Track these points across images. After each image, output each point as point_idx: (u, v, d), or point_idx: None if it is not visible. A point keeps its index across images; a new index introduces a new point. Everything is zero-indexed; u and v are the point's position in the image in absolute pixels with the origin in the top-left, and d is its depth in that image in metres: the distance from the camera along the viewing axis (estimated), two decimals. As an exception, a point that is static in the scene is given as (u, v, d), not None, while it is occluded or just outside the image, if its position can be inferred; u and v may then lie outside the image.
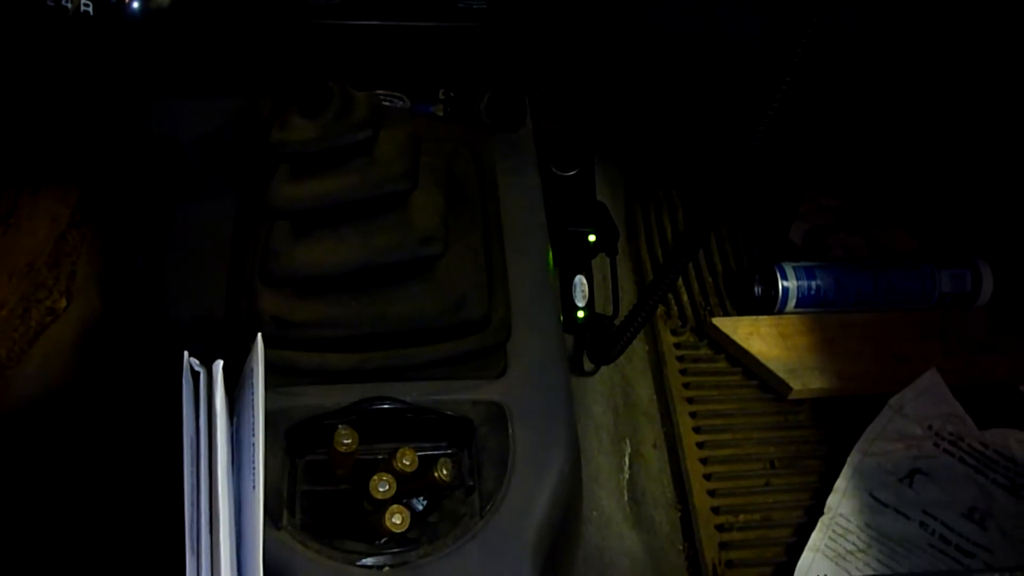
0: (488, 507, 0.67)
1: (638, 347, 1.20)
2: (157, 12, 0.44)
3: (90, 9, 0.42)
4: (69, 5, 0.42)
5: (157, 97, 0.85)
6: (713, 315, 1.22)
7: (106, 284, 1.02)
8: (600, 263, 1.11)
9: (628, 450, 1.09)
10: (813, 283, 1.18)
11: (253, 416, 0.56)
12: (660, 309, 1.22)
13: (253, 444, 0.55)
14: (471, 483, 0.69)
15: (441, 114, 0.90)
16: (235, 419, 0.62)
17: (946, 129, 1.12)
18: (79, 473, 0.82)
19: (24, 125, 1.07)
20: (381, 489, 0.64)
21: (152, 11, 0.44)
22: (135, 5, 0.43)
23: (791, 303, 1.18)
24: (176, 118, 0.86)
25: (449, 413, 0.71)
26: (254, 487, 0.55)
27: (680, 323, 1.22)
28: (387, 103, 0.89)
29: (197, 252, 0.80)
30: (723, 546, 1.03)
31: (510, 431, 0.71)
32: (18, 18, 0.45)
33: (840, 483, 1.06)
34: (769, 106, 0.76)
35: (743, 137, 0.77)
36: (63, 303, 1.12)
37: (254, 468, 0.56)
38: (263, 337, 0.62)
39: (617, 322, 0.92)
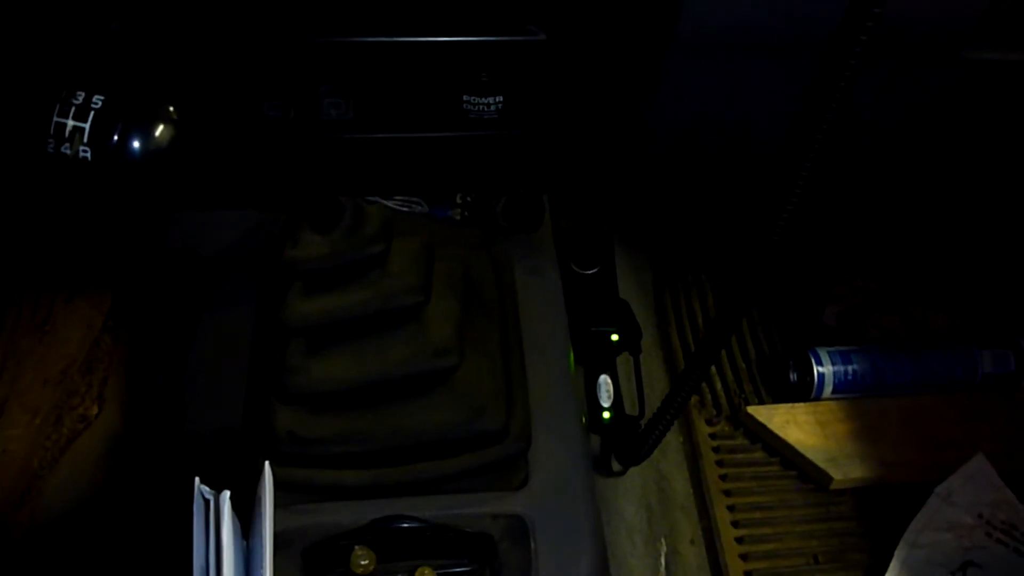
0: None
1: (672, 439, 1.17)
2: (157, 153, 0.45)
3: (88, 155, 0.42)
4: (68, 151, 0.42)
5: (177, 209, 0.87)
6: (748, 403, 1.19)
7: (129, 399, 1.02)
8: (626, 360, 1.09)
9: (664, 549, 1.05)
10: (849, 368, 1.15)
11: (262, 546, 0.55)
12: (693, 399, 1.19)
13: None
14: (493, 602, 0.67)
15: (459, 218, 0.91)
16: (250, 541, 0.61)
17: (981, 206, 1.10)
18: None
19: (58, 235, 1.10)
20: (399, 613, 0.62)
21: (152, 152, 0.44)
22: (135, 147, 0.44)
23: (827, 389, 1.15)
24: (196, 231, 0.88)
25: (468, 530, 0.69)
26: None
27: (714, 412, 1.19)
28: (405, 208, 0.90)
29: (217, 366, 0.80)
30: (767, 647, 0.99)
31: (532, 546, 0.69)
32: (22, 163, 0.46)
33: (889, 577, 1.01)
34: (788, 199, 0.74)
35: (766, 227, 0.76)
36: (95, 410, 1.12)
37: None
38: (279, 455, 0.62)
39: (643, 423, 0.90)
